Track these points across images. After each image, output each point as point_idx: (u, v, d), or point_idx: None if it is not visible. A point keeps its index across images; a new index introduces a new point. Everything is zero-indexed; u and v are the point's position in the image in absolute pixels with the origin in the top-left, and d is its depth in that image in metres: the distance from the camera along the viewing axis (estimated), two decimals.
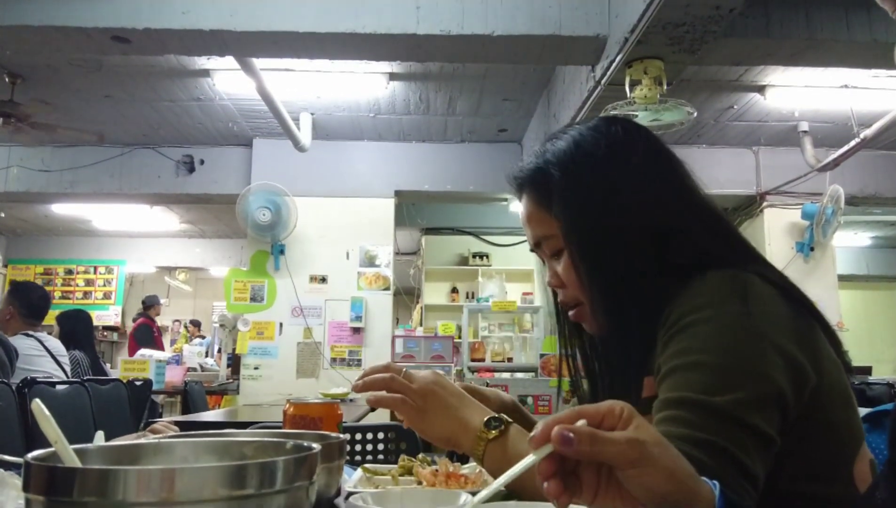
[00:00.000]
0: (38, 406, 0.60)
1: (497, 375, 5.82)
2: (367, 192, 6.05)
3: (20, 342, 3.68)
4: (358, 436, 1.50)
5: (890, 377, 4.88)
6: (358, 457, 1.47)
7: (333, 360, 5.86)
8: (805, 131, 5.52)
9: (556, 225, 0.97)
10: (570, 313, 1.01)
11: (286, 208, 5.76)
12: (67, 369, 4.00)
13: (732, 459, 0.73)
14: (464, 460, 0.97)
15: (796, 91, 4.93)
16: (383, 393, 0.94)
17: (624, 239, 0.92)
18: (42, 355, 3.84)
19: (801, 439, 0.80)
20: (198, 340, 8.95)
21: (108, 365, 5.98)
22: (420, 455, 1.04)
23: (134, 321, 8.61)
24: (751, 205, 6.18)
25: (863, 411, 0.97)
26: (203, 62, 4.67)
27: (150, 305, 8.65)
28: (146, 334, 8.21)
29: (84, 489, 0.48)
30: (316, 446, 0.61)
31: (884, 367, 7.09)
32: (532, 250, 1.05)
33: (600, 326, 0.97)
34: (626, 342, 0.92)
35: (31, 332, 3.83)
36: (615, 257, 0.92)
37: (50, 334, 4.16)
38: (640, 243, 0.91)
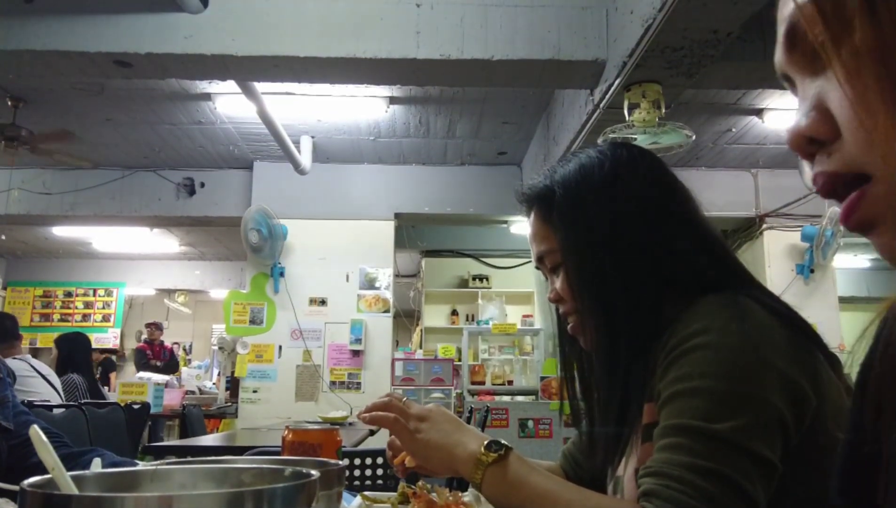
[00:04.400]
0: (36, 433, 0.60)
1: (497, 398, 5.80)
2: (367, 214, 6.06)
3: (11, 365, 3.69)
4: (357, 461, 1.48)
5: None
6: (357, 482, 1.46)
7: (333, 383, 5.83)
8: None
9: (555, 240, 0.99)
10: (569, 326, 1.02)
11: (277, 231, 5.75)
12: (59, 388, 4.00)
13: (735, 486, 0.73)
14: (463, 487, 0.96)
15: (794, 114, 4.94)
16: (379, 412, 0.96)
17: (618, 259, 0.93)
18: (34, 376, 3.86)
19: (802, 463, 0.79)
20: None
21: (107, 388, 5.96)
22: (420, 483, 1.03)
23: None
24: (750, 227, 6.19)
25: None
26: (204, 86, 4.70)
27: None
28: None
29: None
30: (315, 473, 0.60)
31: None
32: (536, 267, 1.07)
33: (592, 343, 0.98)
34: (614, 361, 0.92)
35: (17, 356, 3.88)
36: (608, 276, 0.93)
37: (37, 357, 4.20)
38: (635, 264, 0.92)
